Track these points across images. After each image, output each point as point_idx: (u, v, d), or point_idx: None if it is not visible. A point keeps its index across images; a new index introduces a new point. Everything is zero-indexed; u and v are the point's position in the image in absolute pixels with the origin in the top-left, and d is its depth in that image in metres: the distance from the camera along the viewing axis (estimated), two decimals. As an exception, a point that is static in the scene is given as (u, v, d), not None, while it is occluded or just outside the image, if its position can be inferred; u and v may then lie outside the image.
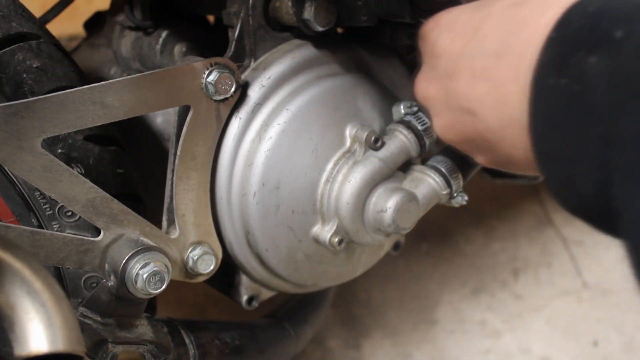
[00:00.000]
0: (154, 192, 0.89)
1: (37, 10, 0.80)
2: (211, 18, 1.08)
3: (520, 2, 0.60)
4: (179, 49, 0.95)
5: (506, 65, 0.57)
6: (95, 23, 1.08)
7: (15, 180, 0.76)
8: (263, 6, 0.81)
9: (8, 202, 0.77)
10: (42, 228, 0.77)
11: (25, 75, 0.74)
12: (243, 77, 0.81)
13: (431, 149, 0.87)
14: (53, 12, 0.96)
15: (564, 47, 0.52)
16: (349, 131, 0.84)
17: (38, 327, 0.54)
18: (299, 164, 0.82)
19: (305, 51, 0.84)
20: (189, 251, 0.79)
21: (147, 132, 0.97)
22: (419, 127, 0.84)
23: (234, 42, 0.81)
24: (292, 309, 1.01)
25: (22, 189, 0.76)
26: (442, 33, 0.67)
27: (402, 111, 0.87)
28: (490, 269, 1.74)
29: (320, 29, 0.80)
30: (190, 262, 0.79)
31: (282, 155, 0.81)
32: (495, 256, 1.76)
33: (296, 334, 0.96)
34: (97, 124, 0.71)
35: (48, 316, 0.54)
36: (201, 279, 0.81)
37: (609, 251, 1.79)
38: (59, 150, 0.76)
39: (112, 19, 1.01)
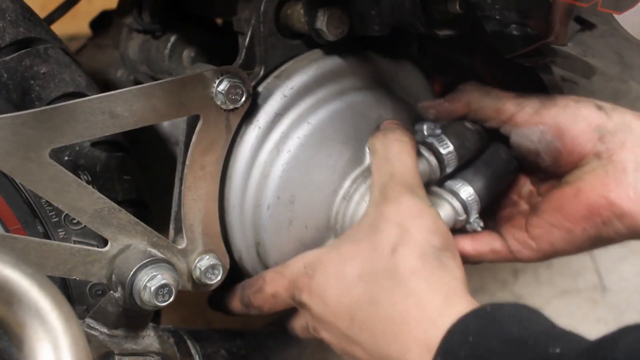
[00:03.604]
0: (159, 196, 0.88)
1: (38, 10, 0.79)
2: (220, 21, 1.07)
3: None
4: (187, 53, 0.93)
5: None
6: (102, 23, 1.06)
7: (21, 187, 0.75)
8: (274, 13, 0.80)
9: (14, 209, 0.76)
10: (48, 235, 0.77)
11: (32, 82, 0.73)
12: (264, 84, 0.80)
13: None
14: (58, 13, 0.95)
15: None
16: (368, 145, 0.83)
17: (46, 347, 0.53)
18: (315, 180, 0.81)
19: (329, 62, 0.83)
20: (196, 261, 0.78)
21: (154, 135, 0.97)
22: (442, 151, 0.83)
23: (244, 50, 0.80)
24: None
25: (28, 196, 0.75)
26: (319, 305, 0.76)
27: (425, 132, 0.85)
28: (490, 269, 1.74)
29: (332, 38, 0.79)
30: (198, 272, 0.78)
31: (300, 169, 0.80)
32: (496, 255, 1.75)
33: (301, 341, 0.96)
34: (106, 134, 0.70)
35: (56, 336, 0.53)
36: (208, 289, 0.80)
37: (609, 251, 1.80)
38: (66, 158, 0.75)
39: (119, 21, 1.00)
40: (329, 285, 0.75)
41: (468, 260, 0.85)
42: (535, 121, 0.79)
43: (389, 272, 0.71)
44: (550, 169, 0.81)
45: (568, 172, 0.79)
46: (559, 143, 0.78)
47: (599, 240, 0.77)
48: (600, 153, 0.76)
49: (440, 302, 0.68)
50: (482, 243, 0.85)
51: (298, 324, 0.83)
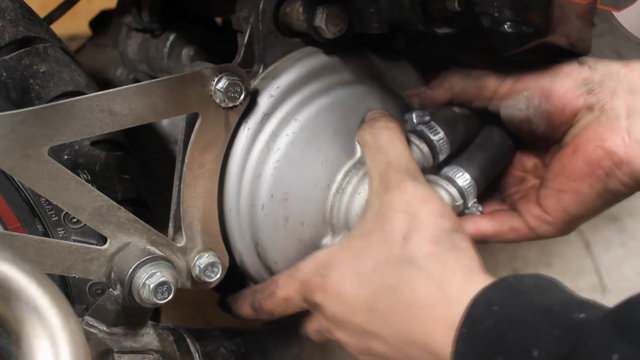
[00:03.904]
0: (158, 195, 0.88)
1: (38, 9, 0.79)
2: (219, 20, 1.07)
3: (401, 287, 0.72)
4: (186, 52, 0.94)
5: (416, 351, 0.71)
6: (101, 22, 1.06)
7: (20, 186, 0.75)
8: (273, 11, 0.80)
9: (13, 208, 0.76)
10: (47, 234, 0.77)
11: (32, 81, 0.73)
12: (252, 85, 0.80)
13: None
14: (58, 12, 0.95)
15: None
16: (356, 139, 0.83)
17: (45, 344, 0.53)
18: (308, 176, 0.81)
19: (315, 59, 0.83)
20: (195, 259, 0.78)
21: (153, 134, 0.96)
22: (432, 138, 0.83)
23: (243, 48, 0.80)
24: (296, 314, 1.00)
25: (27, 194, 0.75)
26: (334, 304, 0.76)
27: (415, 120, 0.86)
28: (490, 268, 1.72)
29: (331, 36, 0.79)
30: (197, 270, 0.78)
31: (291, 166, 0.80)
32: (495, 255, 1.75)
33: (301, 339, 0.96)
34: (105, 132, 0.70)
35: (55, 332, 0.53)
36: (207, 287, 0.80)
37: (608, 252, 1.79)
38: (65, 157, 0.75)
39: (118, 20, 1.00)
40: (344, 282, 0.75)
41: (488, 241, 0.85)
42: (519, 89, 0.79)
43: (405, 260, 0.71)
44: (547, 134, 0.80)
45: (565, 133, 0.78)
46: (548, 104, 0.77)
47: (608, 195, 0.75)
48: (592, 105, 0.74)
49: (459, 281, 0.68)
50: (501, 222, 0.84)
51: (312, 328, 0.83)
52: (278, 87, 0.80)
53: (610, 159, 0.73)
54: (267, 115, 0.80)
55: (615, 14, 0.76)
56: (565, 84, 0.76)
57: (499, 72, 0.81)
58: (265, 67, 0.81)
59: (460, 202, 0.84)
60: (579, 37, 0.75)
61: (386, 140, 0.79)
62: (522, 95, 0.78)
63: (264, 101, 0.80)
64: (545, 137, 0.81)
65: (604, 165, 0.73)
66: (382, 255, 0.73)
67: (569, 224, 0.80)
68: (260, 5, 0.79)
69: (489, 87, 0.81)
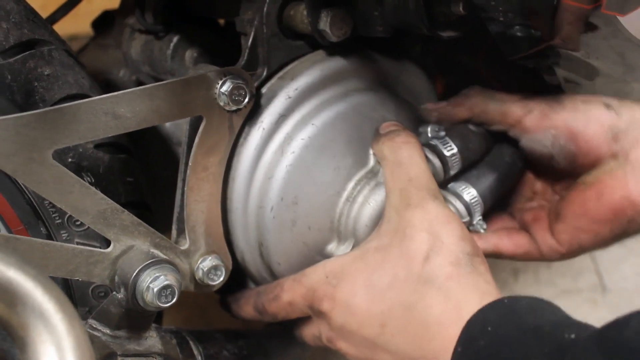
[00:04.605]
0: (160, 197, 0.88)
1: (38, 10, 0.79)
2: (222, 21, 1.07)
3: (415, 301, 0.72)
4: (190, 54, 0.93)
5: None
6: (104, 23, 1.06)
7: (24, 188, 0.75)
8: (277, 14, 0.80)
9: (17, 211, 0.76)
10: (51, 237, 0.77)
11: (36, 84, 0.73)
12: (268, 85, 0.80)
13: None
14: (60, 13, 0.95)
15: None
16: (372, 151, 0.83)
17: (50, 349, 0.53)
18: (319, 181, 0.81)
19: (333, 63, 0.83)
20: (198, 262, 0.78)
21: (156, 136, 0.96)
22: (446, 153, 0.83)
23: (247, 50, 0.80)
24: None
25: (31, 197, 0.75)
26: (342, 314, 0.76)
27: (429, 134, 0.85)
28: (490, 268, 1.74)
29: (335, 39, 0.78)
30: (200, 273, 0.78)
31: (304, 171, 0.80)
32: (496, 256, 1.75)
33: (303, 340, 0.96)
34: (109, 135, 0.70)
35: (60, 337, 0.53)
36: (210, 289, 0.80)
37: (609, 252, 1.79)
38: (69, 160, 0.75)
39: (121, 21, 1.00)
40: (356, 294, 0.75)
41: (500, 257, 0.87)
42: (546, 125, 0.79)
43: (424, 279, 0.72)
44: (566, 171, 0.81)
45: (584, 173, 0.79)
46: (573, 146, 0.78)
47: (624, 235, 0.78)
48: (616, 153, 0.76)
49: (475, 304, 0.68)
50: (518, 245, 0.85)
51: (309, 332, 0.83)
52: (296, 89, 0.80)
53: (634, 209, 0.75)
54: (284, 117, 0.79)
55: (620, 18, 0.76)
56: (592, 129, 0.77)
57: (524, 100, 0.81)
58: (269, 70, 0.81)
59: (466, 218, 0.84)
60: (571, 37, 0.75)
61: (406, 156, 0.79)
62: (549, 133, 0.79)
63: (281, 102, 0.79)
64: (561, 171, 0.82)
65: (628, 214, 0.75)
66: (400, 271, 0.73)
67: (579, 254, 0.83)
68: (265, 8, 0.79)
69: (513, 115, 0.82)
